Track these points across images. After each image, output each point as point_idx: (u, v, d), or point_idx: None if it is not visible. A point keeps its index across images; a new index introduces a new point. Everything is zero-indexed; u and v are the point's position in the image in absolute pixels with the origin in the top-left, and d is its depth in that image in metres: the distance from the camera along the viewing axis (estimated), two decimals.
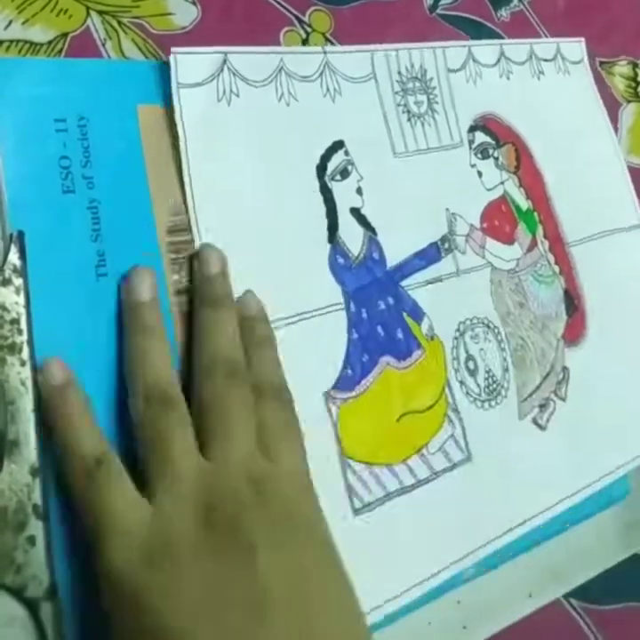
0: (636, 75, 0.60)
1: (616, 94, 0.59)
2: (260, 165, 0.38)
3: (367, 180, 0.42)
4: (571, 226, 0.50)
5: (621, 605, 0.46)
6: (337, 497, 0.36)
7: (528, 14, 0.55)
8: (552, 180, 0.51)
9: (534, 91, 0.52)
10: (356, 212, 0.41)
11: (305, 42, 0.43)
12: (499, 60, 0.51)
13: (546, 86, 0.53)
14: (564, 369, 0.47)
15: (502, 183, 0.48)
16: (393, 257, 0.42)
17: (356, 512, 0.36)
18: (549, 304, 0.48)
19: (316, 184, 0.40)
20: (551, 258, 0.49)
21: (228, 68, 0.38)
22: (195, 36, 0.39)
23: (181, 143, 0.36)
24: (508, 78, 0.51)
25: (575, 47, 0.56)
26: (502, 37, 0.53)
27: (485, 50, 0.50)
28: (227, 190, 0.37)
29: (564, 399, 0.46)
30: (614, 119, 0.57)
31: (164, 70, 0.36)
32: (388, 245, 0.41)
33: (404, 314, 0.41)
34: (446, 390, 0.41)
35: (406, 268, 0.42)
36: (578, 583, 0.43)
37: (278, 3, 0.42)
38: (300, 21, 0.43)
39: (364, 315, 0.39)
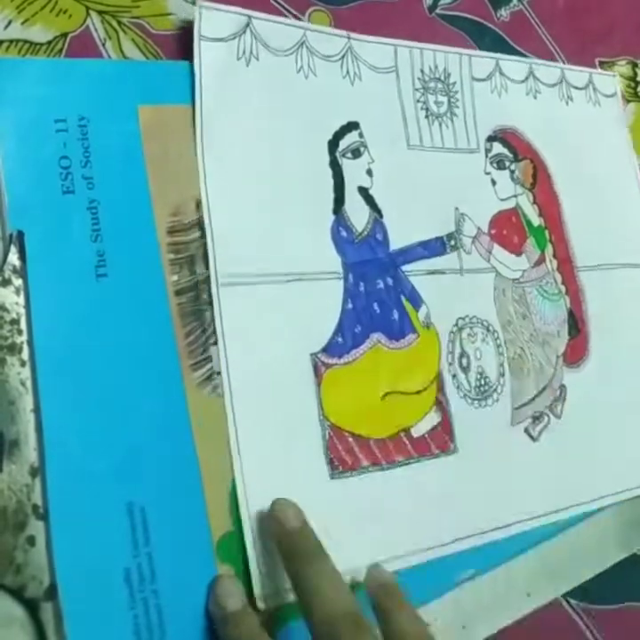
0: (636, 74, 0.60)
1: None
2: (272, 129, 0.39)
3: (378, 164, 0.42)
4: (583, 251, 0.50)
5: (620, 605, 0.46)
6: (315, 458, 0.36)
7: (528, 14, 0.55)
8: (568, 203, 0.51)
9: (560, 114, 0.52)
10: (363, 191, 0.41)
11: None
12: (527, 78, 0.51)
13: (573, 112, 0.53)
14: (562, 387, 0.46)
15: (516, 196, 0.48)
16: (396, 242, 0.42)
17: (332, 476, 0.36)
18: (552, 321, 0.47)
19: (327, 158, 0.41)
20: (558, 277, 0.49)
21: (251, 31, 0.39)
22: None
23: (197, 94, 0.37)
24: (535, 97, 0.51)
25: (608, 80, 0.56)
26: (502, 37, 0.53)
27: (514, 65, 0.51)
28: (236, 143, 0.38)
29: (559, 417, 0.45)
30: None
31: (165, 70, 0.37)
32: (393, 230, 0.42)
33: (402, 297, 0.41)
34: (437, 380, 0.41)
35: (409, 254, 0.42)
36: (577, 583, 0.43)
37: (278, 3, 0.42)
38: (300, 21, 0.43)
39: (362, 288, 0.40)
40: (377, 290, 0.40)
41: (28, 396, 0.30)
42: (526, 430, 0.44)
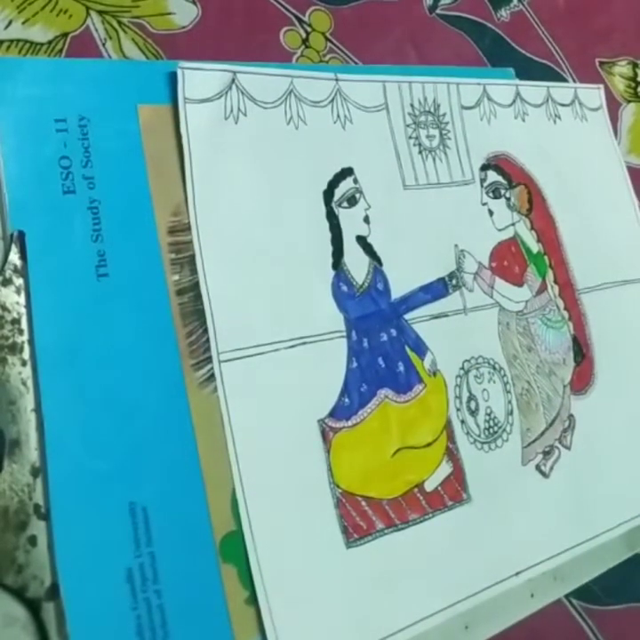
0: (636, 75, 0.60)
1: (616, 94, 0.59)
2: (265, 186, 0.38)
3: (375, 210, 0.41)
4: (582, 273, 0.50)
5: (623, 606, 0.45)
6: (329, 527, 0.35)
7: (528, 14, 0.55)
8: (565, 225, 0.50)
9: (550, 134, 0.52)
10: (362, 241, 0.41)
11: (305, 41, 0.43)
12: (514, 101, 0.50)
13: (562, 131, 0.53)
14: (570, 417, 0.45)
15: (513, 224, 0.48)
16: (398, 289, 0.41)
17: (348, 545, 0.35)
18: (557, 350, 0.47)
19: (323, 209, 0.40)
20: (561, 303, 0.48)
21: (237, 87, 0.38)
22: (195, 36, 0.39)
23: (186, 159, 0.36)
24: (524, 120, 0.51)
25: (594, 94, 0.56)
26: (503, 38, 0.53)
27: (501, 89, 0.50)
28: (230, 209, 0.37)
29: (568, 448, 0.44)
30: (614, 119, 0.57)
31: (165, 70, 0.36)
32: (393, 277, 0.41)
33: (407, 347, 0.40)
34: (447, 429, 0.40)
35: (411, 301, 0.41)
36: (579, 583, 0.42)
37: (278, 2, 0.42)
38: (300, 21, 0.43)
39: (365, 344, 0.39)
40: (381, 343, 0.39)
41: (28, 395, 0.30)
42: (537, 467, 0.43)
